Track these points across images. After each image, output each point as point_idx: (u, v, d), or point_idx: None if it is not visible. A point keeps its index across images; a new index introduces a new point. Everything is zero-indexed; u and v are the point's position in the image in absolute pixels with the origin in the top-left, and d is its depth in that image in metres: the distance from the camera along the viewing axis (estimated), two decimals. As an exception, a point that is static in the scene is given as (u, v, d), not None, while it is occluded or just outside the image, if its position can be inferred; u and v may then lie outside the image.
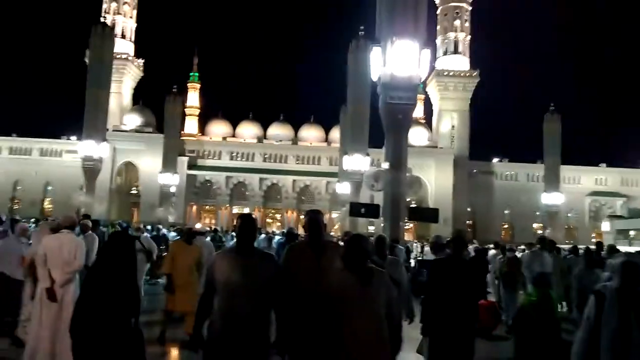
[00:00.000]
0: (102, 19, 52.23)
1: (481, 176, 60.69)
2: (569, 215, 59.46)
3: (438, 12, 61.32)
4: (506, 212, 60.51)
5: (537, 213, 57.03)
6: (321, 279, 3.71)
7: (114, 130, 54.52)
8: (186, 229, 9.29)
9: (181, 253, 8.16)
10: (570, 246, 17.11)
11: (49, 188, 57.87)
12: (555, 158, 52.15)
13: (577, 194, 59.44)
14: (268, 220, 59.33)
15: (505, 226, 61.52)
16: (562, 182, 54.26)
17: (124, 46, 59.12)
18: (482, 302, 8.09)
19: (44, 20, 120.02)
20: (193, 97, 72.36)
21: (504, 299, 11.72)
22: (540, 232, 54.23)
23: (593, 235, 55.95)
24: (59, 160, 57.68)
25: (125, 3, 60.92)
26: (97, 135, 42.36)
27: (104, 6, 60.34)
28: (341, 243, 5.81)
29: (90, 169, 42.87)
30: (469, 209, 58.79)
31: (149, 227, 21.35)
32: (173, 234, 21.97)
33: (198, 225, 35.27)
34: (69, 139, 57.77)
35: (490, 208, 59.76)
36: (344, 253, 3.67)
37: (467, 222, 58.01)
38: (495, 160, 62.42)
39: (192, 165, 57.72)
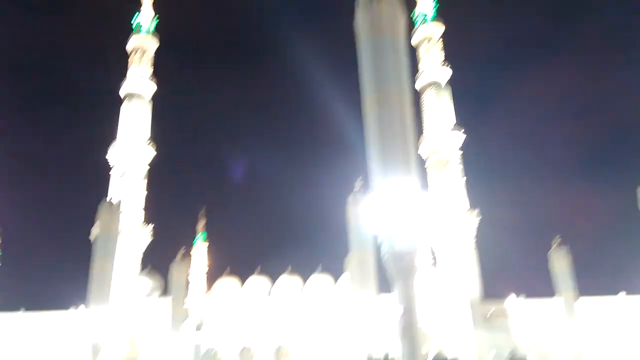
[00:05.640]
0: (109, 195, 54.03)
1: (498, 318, 58.35)
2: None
3: (426, 165, 64.18)
4: (530, 355, 56.82)
5: (565, 353, 53.57)
6: None
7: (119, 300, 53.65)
8: None
9: None
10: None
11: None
12: (570, 292, 50.43)
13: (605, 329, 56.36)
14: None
15: (533, 371, 57.29)
16: (584, 317, 51.77)
17: (133, 215, 60.55)
18: None
19: (52, 200, 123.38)
20: (201, 257, 72.87)
21: None
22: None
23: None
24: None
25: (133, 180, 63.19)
26: (101, 306, 41.66)
27: (112, 180, 62.86)
28: None
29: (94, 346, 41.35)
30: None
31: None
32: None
33: None
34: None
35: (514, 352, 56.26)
36: None
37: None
38: (510, 298, 60.45)
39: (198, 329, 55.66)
